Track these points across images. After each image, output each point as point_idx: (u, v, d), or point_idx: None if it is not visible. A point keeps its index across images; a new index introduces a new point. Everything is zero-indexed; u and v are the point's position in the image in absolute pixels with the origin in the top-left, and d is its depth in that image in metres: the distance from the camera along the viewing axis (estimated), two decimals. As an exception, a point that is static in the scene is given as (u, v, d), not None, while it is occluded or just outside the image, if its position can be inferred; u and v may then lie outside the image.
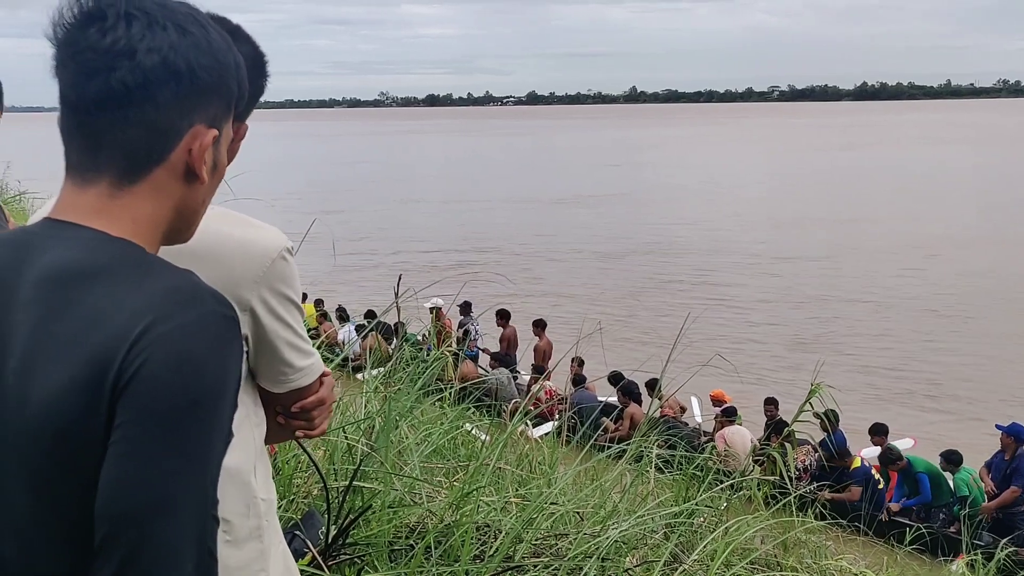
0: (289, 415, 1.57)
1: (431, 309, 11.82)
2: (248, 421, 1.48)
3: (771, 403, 11.32)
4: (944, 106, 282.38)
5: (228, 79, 1.11)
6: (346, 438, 3.28)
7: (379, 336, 7.19)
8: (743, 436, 10.06)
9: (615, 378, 12.22)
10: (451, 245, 29.03)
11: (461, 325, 13.99)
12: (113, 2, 1.04)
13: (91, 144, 1.05)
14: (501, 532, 2.99)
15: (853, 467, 10.26)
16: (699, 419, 12.22)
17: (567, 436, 6.08)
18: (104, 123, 1.04)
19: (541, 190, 45.42)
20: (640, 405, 11.47)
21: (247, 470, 1.45)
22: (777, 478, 5.99)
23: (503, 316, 14.63)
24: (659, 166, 61.79)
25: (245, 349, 1.43)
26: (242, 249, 1.41)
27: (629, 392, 11.63)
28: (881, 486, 10.25)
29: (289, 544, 2.37)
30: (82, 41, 1.03)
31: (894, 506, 10.04)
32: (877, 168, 54.48)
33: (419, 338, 9.34)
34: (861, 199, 39.42)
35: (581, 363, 12.27)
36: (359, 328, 10.55)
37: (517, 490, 3.78)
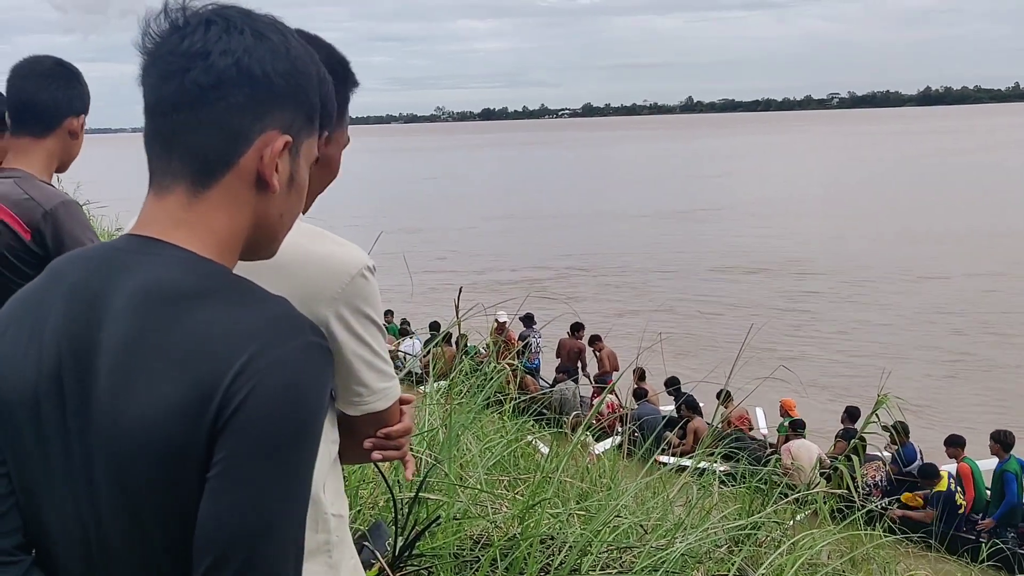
0: (380, 447, 1.54)
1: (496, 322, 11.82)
2: (324, 437, 1.48)
3: (850, 414, 10.97)
4: (1018, 109, 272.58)
5: (307, 89, 1.12)
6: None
7: (443, 346, 7.24)
8: (809, 449, 9.83)
9: (670, 383, 12.12)
10: (545, 262, 27.96)
11: (522, 337, 13.98)
12: (197, 11, 1.07)
13: (166, 148, 1.07)
14: (566, 544, 2.98)
15: (937, 489, 9.90)
16: (764, 430, 12.06)
17: (629, 449, 6.05)
18: (178, 124, 1.05)
19: (638, 204, 43.36)
20: (702, 417, 11.36)
21: (318, 485, 1.42)
22: (844, 491, 5.88)
23: (576, 329, 14.61)
24: (753, 176, 58.41)
25: None
26: (322, 265, 1.38)
27: (692, 406, 11.53)
28: (962, 511, 9.87)
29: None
30: (164, 47, 1.06)
31: (987, 523, 9.59)
32: (989, 175, 50.47)
33: (480, 349, 9.36)
34: (991, 210, 35.82)
35: (642, 375, 12.19)
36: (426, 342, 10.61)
37: (579, 503, 3.77)
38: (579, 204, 44.82)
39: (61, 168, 2.63)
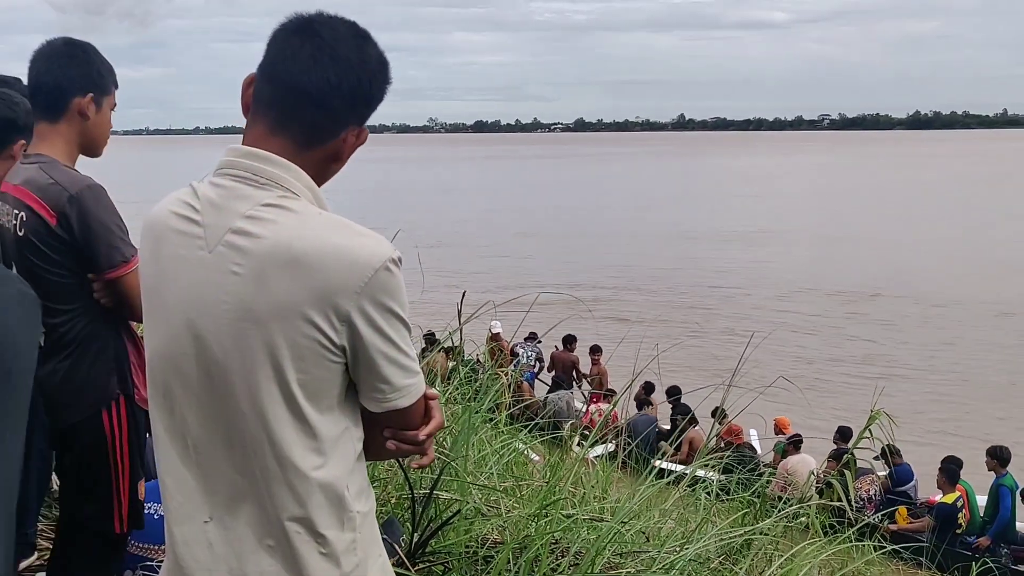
0: (403, 440, 1.52)
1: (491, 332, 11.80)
2: (348, 434, 1.46)
3: (842, 434, 10.87)
4: (1004, 135, 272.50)
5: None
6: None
7: (440, 354, 7.24)
8: (806, 464, 9.80)
9: (672, 392, 12.13)
10: (593, 280, 26.63)
11: (513, 351, 13.93)
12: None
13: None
14: (572, 547, 3.00)
15: (944, 499, 9.80)
16: (759, 449, 12.07)
17: (622, 459, 6.05)
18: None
19: (690, 224, 41.05)
20: (696, 425, 11.33)
21: (341, 484, 1.44)
22: (836, 504, 5.90)
23: (569, 342, 14.66)
24: (785, 197, 55.31)
25: (343, 361, 1.40)
26: (344, 257, 1.35)
27: (687, 414, 11.54)
28: (960, 531, 9.81)
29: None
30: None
31: (983, 541, 9.59)
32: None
33: (476, 359, 9.41)
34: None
35: (650, 388, 12.21)
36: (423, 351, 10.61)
37: (576, 507, 3.78)
38: (609, 222, 42.63)
39: (88, 151, 2.59)
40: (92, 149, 2.59)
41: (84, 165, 2.60)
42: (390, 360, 1.41)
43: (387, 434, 1.50)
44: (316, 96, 1.43)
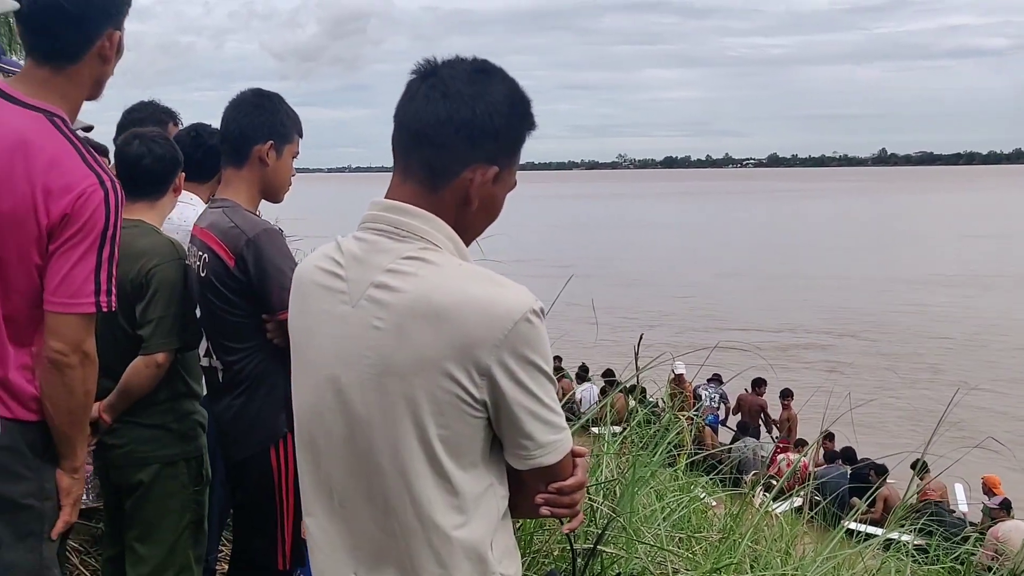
0: (552, 503, 1.46)
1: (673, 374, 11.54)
2: (491, 492, 1.41)
3: None
4: None
5: None
6: (589, 499, 3.21)
7: (620, 394, 7.15)
8: (1020, 532, 8.92)
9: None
10: (812, 325, 24.82)
11: (697, 395, 13.55)
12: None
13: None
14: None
15: None
16: (964, 508, 11.14)
17: (808, 512, 5.72)
18: None
19: (904, 266, 37.33)
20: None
21: (484, 544, 1.39)
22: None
23: (757, 384, 14.14)
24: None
25: (485, 416, 1.36)
26: (484, 309, 1.31)
27: (881, 471, 10.85)
28: None
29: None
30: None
31: None
32: None
33: (658, 402, 9.22)
34: None
35: (831, 437, 11.60)
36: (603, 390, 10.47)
37: (753, 567, 3.55)
38: (812, 262, 39.68)
39: (269, 197, 2.69)
40: (273, 194, 2.69)
41: (295, 202, 2.68)
42: (533, 415, 1.36)
43: (539, 499, 1.45)
44: (429, 134, 1.39)
